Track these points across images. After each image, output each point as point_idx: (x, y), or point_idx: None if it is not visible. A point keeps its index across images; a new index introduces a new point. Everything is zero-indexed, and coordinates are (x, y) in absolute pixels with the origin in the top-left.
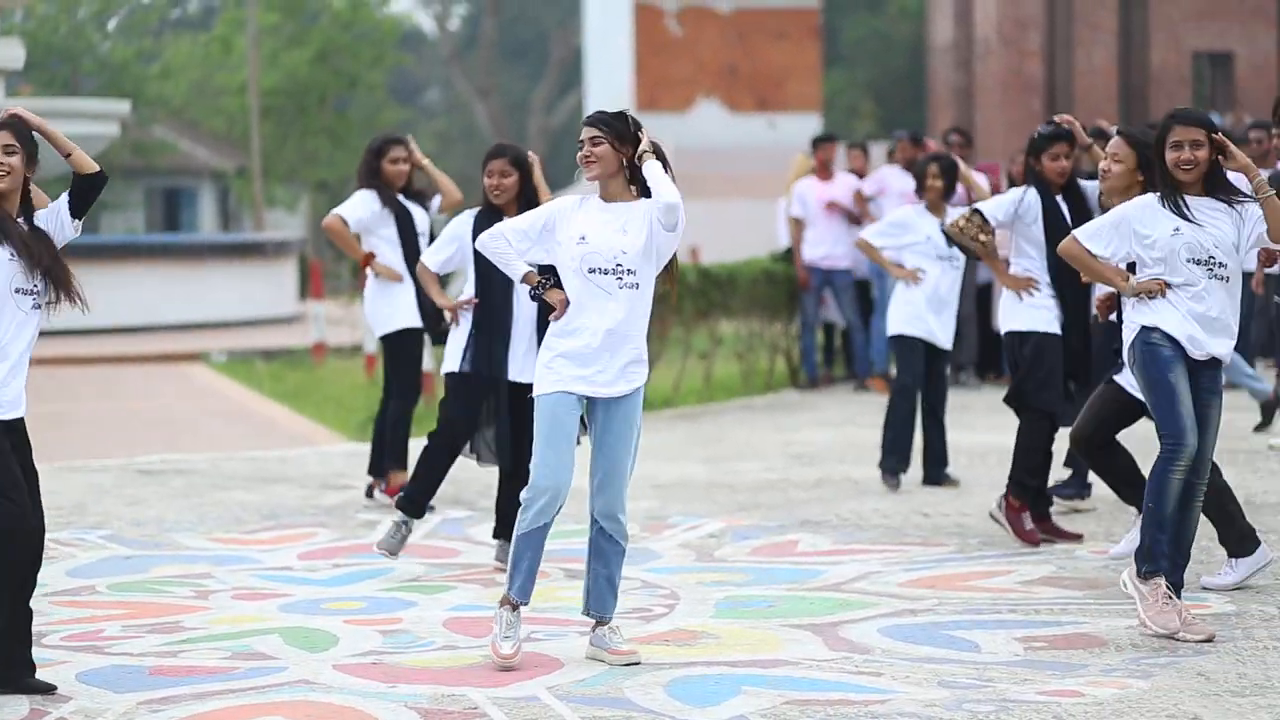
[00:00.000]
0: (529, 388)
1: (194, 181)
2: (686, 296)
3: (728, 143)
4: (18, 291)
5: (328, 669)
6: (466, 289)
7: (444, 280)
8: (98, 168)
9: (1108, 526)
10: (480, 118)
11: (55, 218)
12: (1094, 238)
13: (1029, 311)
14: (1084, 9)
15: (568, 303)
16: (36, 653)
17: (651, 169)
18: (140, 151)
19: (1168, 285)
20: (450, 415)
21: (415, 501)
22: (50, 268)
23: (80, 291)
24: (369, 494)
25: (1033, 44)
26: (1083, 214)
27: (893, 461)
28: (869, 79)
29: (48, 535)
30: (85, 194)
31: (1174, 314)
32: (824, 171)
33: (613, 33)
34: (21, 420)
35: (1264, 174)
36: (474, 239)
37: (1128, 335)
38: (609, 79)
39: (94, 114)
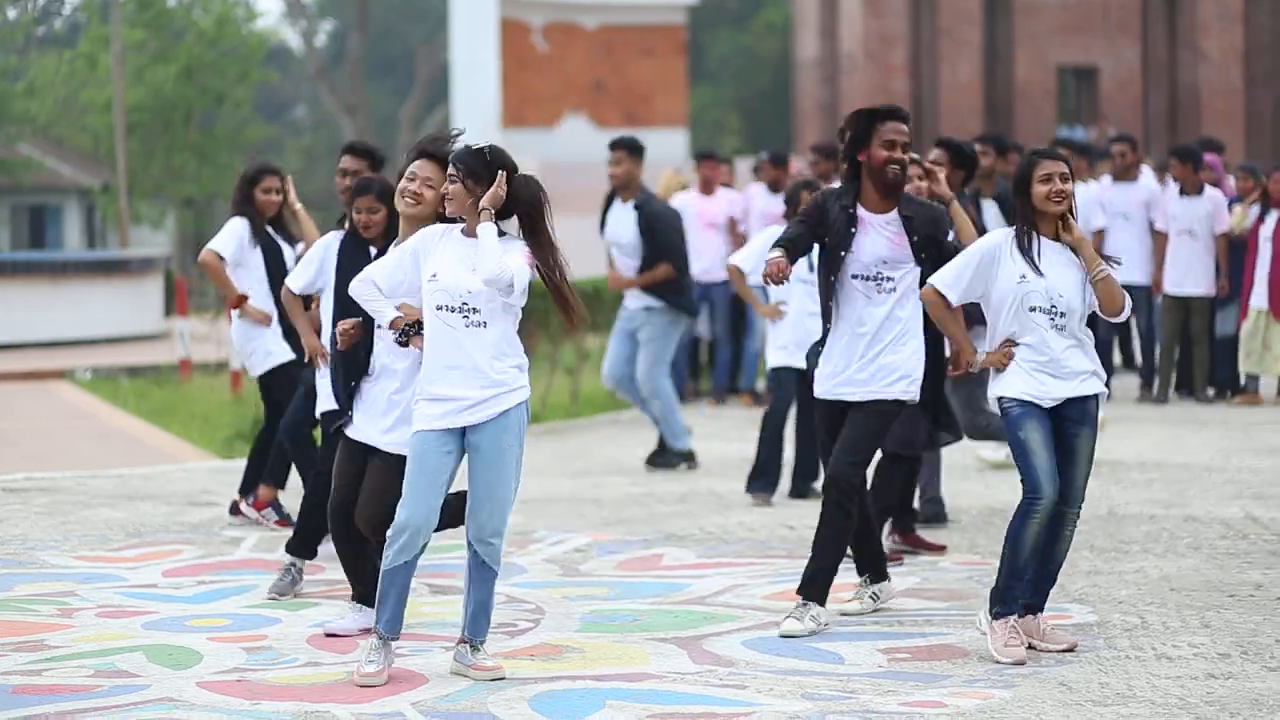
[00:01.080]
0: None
1: (60, 199)
2: (552, 311)
3: (595, 158)
4: None
5: (192, 686)
6: (325, 315)
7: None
8: None
9: (971, 538)
10: (348, 134)
11: None
12: (952, 286)
13: None
14: (948, 24)
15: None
16: None
17: (483, 232)
18: (5, 169)
19: (1014, 345)
20: (325, 454)
21: (304, 544)
22: None
23: None
24: (233, 510)
25: (897, 59)
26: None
27: (761, 484)
28: (735, 95)
29: None
30: None
31: (1018, 375)
32: (707, 187)
33: (479, 48)
34: None
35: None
36: (338, 264)
37: (991, 396)
38: (476, 94)
39: None
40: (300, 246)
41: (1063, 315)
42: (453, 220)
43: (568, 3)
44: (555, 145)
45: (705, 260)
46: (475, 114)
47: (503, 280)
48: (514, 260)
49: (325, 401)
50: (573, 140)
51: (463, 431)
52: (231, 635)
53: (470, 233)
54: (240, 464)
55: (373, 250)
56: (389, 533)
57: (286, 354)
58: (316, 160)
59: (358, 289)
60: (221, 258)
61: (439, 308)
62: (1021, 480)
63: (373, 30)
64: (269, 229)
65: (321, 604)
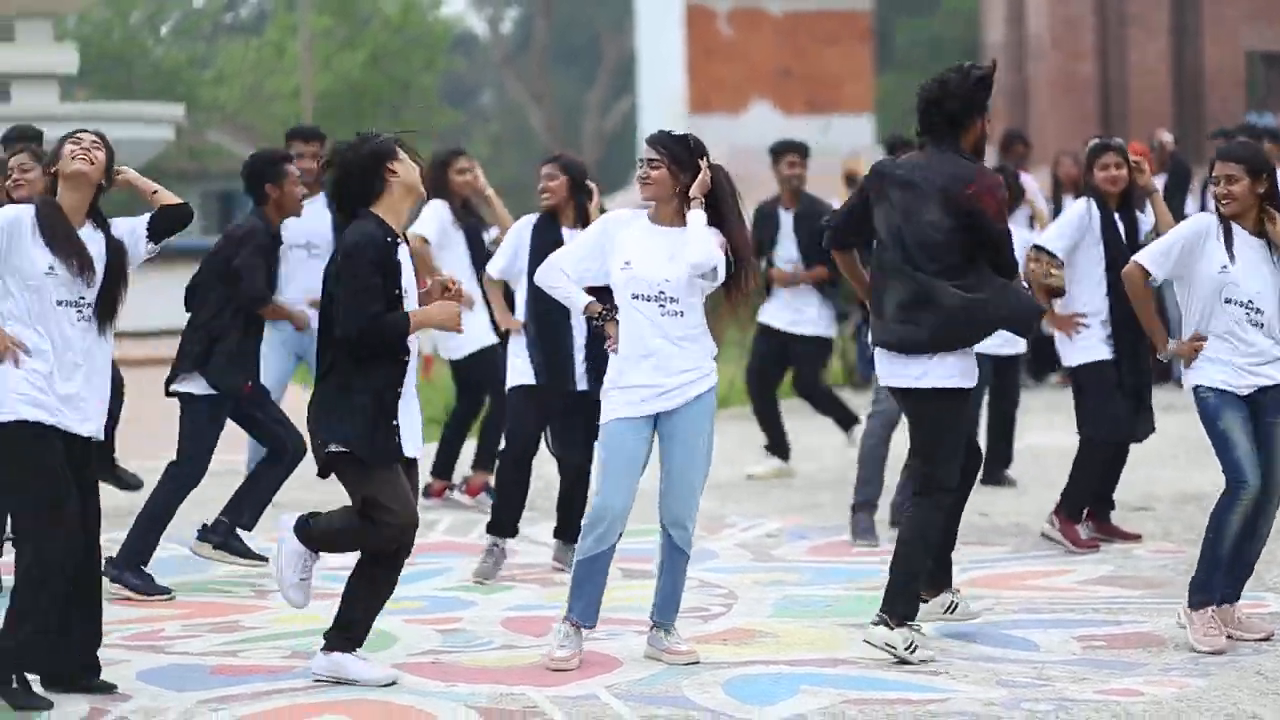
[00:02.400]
0: (588, 395)
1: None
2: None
3: None
4: (60, 304)
5: (387, 668)
6: (520, 297)
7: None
8: (181, 200)
9: (1166, 526)
10: (534, 122)
11: (132, 234)
12: (1159, 262)
13: (1079, 344)
14: (1136, 8)
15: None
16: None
17: (694, 219)
18: (194, 156)
19: (1203, 340)
20: (516, 429)
21: (503, 523)
22: (91, 273)
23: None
24: (426, 494)
25: (1085, 44)
26: (1134, 235)
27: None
28: (921, 81)
29: (109, 535)
30: (169, 222)
31: (1212, 363)
32: None
33: (665, 35)
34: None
35: None
36: (532, 245)
37: (1186, 386)
38: (661, 82)
39: (148, 118)
40: (495, 231)
41: (1259, 311)
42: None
43: None
44: (741, 132)
45: None
46: (661, 101)
47: (708, 266)
48: (714, 247)
49: (516, 376)
50: (758, 127)
51: (655, 418)
52: (427, 618)
53: (663, 220)
54: (431, 448)
55: (565, 233)
56: (585, 521)
57: (488, 337)
58: (504, 148)
59: (544, 277)
60: (426, 241)
61: (635, 296)
62: (1224, 470)
63: (558, 17)
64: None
65: (516, 588)
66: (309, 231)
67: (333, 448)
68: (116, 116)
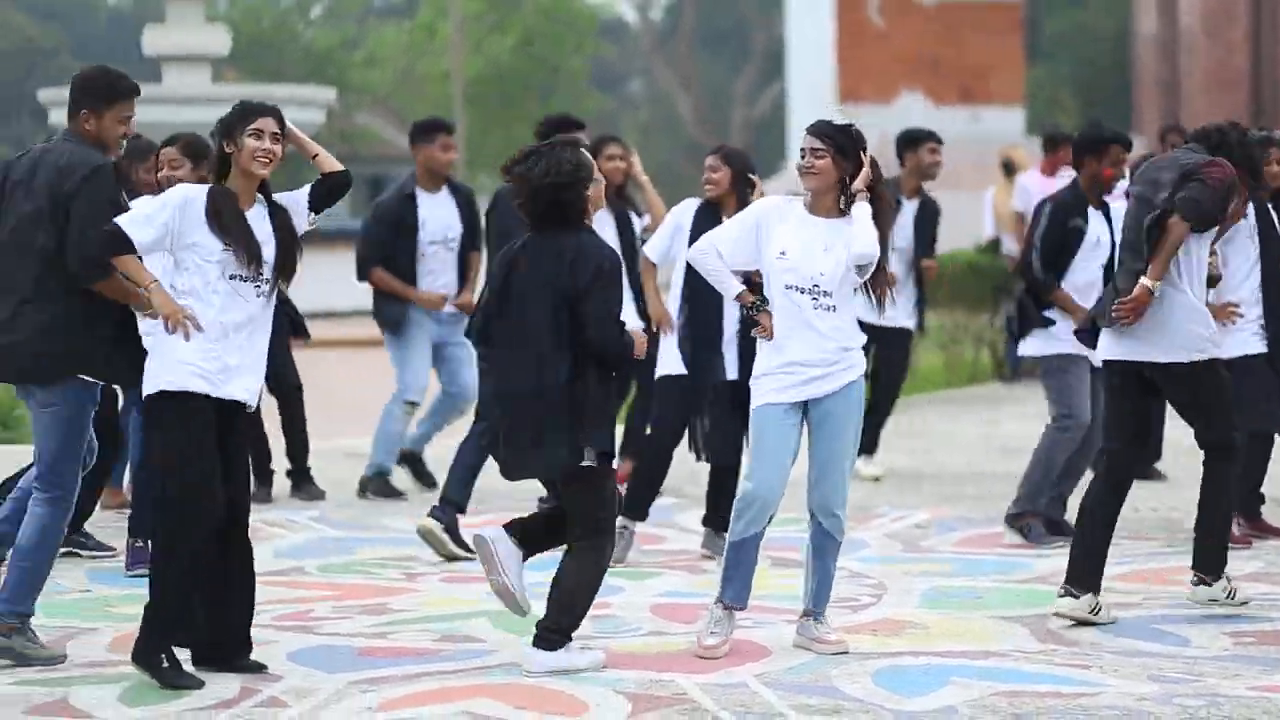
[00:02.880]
0: (739, 384)
1: (398, 169)
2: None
3: None
4: (233, 278)
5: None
6: (675, 285)
7: None
8: (342, 167)
9: None
10: (682, 108)
11: (295, 206)
12: None
13: (1233, 337)
14: None
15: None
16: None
17: (860, 211)
18: (345, 139)
19: None
20: (663, 418)
21: (638, 505)
22: (258, 256)
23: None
24: None
25: (1237, 34)
26: None
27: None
28: (1071, 72)
29: (257, 516)
30: (330, 191)
31: None
32: (1051, 169)
33: (814, 23)
34: (251, 407)
35: None
36: (692, 233)
37: None
38: (811, 70)
39: (300, 100)
40: (646, 219)
41: None
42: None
43: None
44: (891, 121)
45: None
46: (810, 89)
47: (871, 257)
48: (875, 239)
49: (666, 365)
50: (908, 117)
51: (804, 405)
52: None
53: (819, 210)
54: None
55: (724, 217)
56: (737, 504)
57: (635, 323)
58: (653, 134)
59: (699, 257)
60: None
61: (788, 287)
62: None
63: (707, 3)
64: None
65: (664, 574)
66: (446, 226)
67: (589, 457)
68: (267, 98)
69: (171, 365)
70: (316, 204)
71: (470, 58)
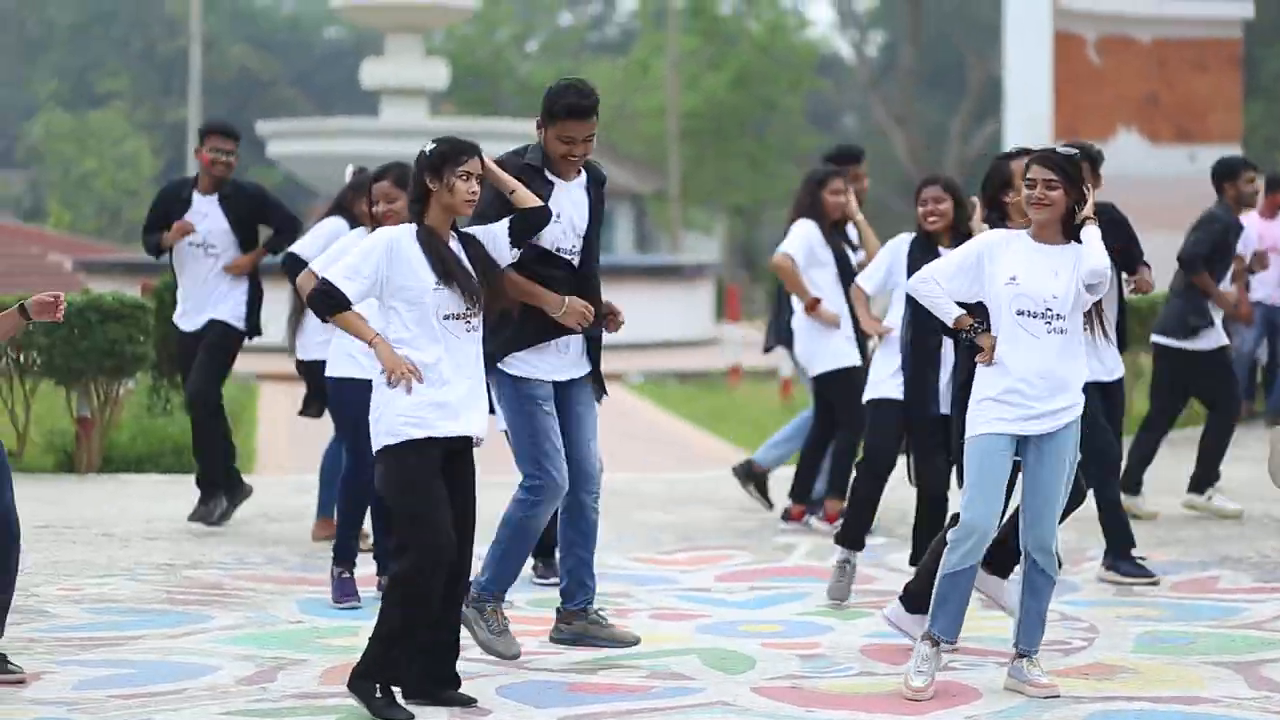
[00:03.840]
0: (948, 419)
1: (612, 203)
2: None
3: (1147, 173)
4: (446, 318)
5: (746, 691)
6: (893, 314)
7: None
8: (541, 203)
9: None
10: (897, 145)
11: (494, 241)
12: None
13: None
14: None
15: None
16: (458, 666)
17: (1091, 234)
18: None
19: None
20: (874, 443)
21: (853, 536)
22: (477, 290)
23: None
24: (785, 517)
25: None
26: None
27: None
28: None
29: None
30: (528, 226)
31: None
32: (1271, 211)
33: (1032, 61)
34: (479, 441)
35: None
36: (908, 264)
37: None
38: (1028, 107)
39: (515, 135)
40: (861, 254)
41: None
42: None
43: (1123, 16)
44: (1108, 159)
45: (1269, 285)
46: (1027, 127)
47: (1104, 274)
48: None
49: (880, 389)
50: (1126, 155)
51: (1022, 437)
52: (785, 641)
53: (1045, 238)
54: (790, 471)
55: (941, 253)
56: (952, 535)
57: (851, 358)
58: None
59: (918, 285)
60: (794, 260)
61: (1020, 312)
62: None
63: (924, 41)
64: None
65: (873, 614)
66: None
67: None
68: (483, 133)
69: (392, 418)
70: (516, 238)
71: (685, 93)
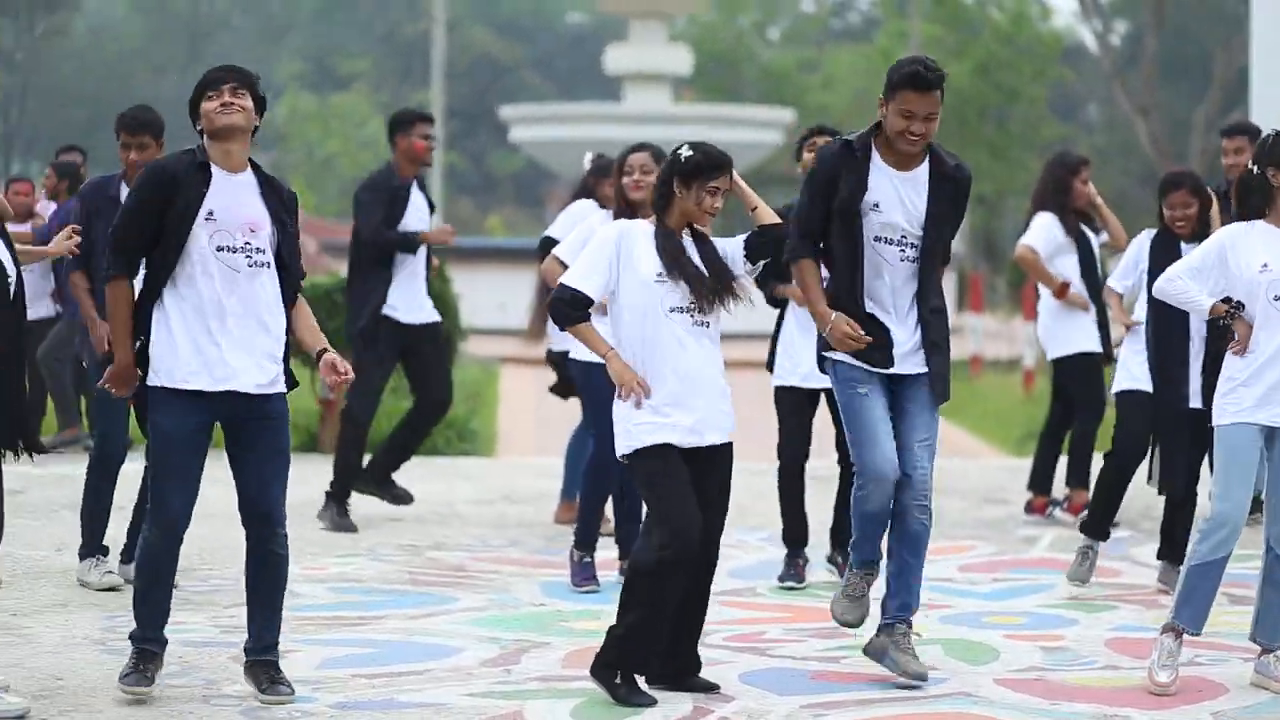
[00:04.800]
0: (1202, 413)
1: None
2: None
3: None
4: (673, 311)
5: (989, 682)
6: (1139, 309)
7: None
8: (779, 220)
9: None
10: (1140, 136)
11: (732, 254)
12: None
13: None
14: None
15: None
16: (700, 652)
17: None
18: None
19: None
20: (1123, 434)
21: (1099, 525)
22: (715, 290)
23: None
24: (1028, 509)
25: None
26: None
27: None
28: None
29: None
30: (766, 244)
31: None
32: None
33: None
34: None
35: None
36: (1151, 262)
37: None
38: (1275, 99)
39: (759, 122)
40: (1103, 235)
41: None
42: None
43: None
44: None
45: None
46: (1273, 118)
47: None
48: None
49: (1128, 380)
50: None
51: (1271, 428)
52: (1028, 633)
53: None
54: (1027, 463)
55: (1182, 248)
56: (1202, 526)
57: (1092, 344)
58: (1108, 160)
59: (1165, 286)
60: (1035, 251)
61: (1277, 298)
62: None
63: (1168, 31)
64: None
65: (1119, 608)
66: None
67: None
68: (727, 119)
69: (630, 426)
70: (752, 255)
71: None
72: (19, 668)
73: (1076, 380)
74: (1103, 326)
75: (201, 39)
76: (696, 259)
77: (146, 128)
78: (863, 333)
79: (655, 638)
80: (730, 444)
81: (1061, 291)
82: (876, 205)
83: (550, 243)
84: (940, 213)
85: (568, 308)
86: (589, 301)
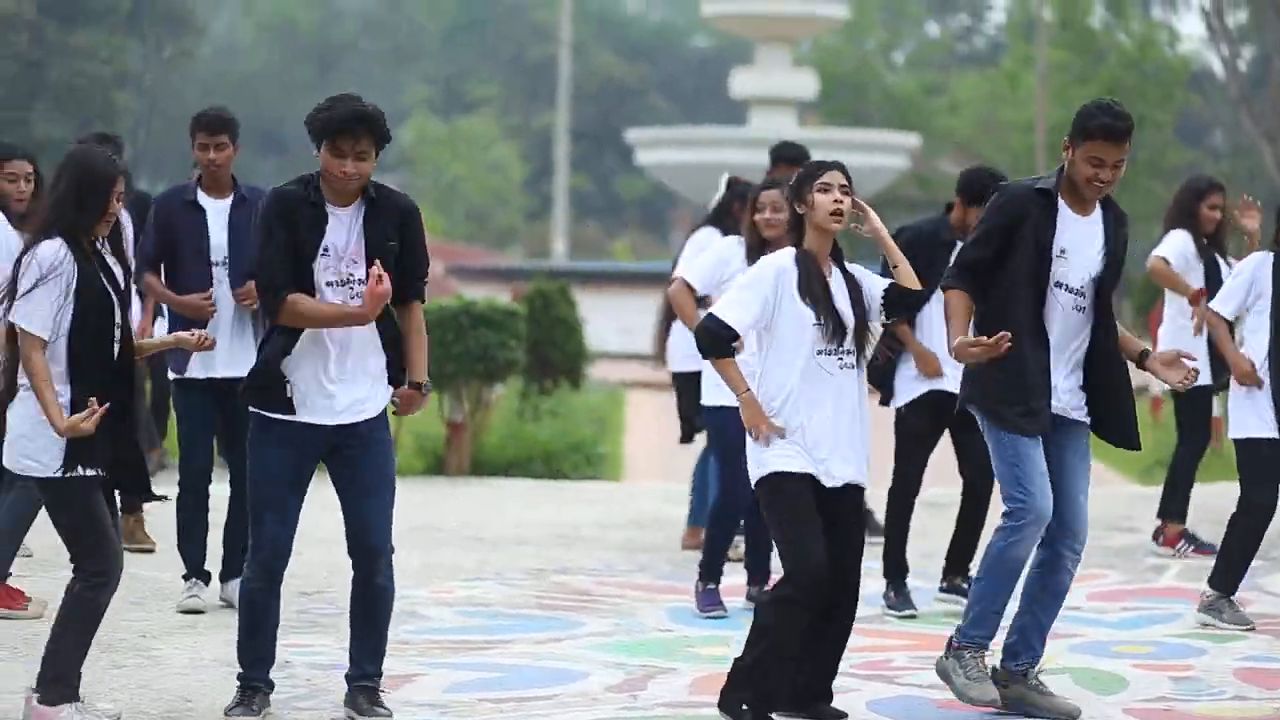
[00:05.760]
0: None
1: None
2: None
3: None
4: (819, 353)
5: (1118, 712)
6: (1250, 340)
7: None
8: (919, 287)
9: None
10: (1268, 162)
11: (871, 292)
12: None
13: None
14: None
15: None
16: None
17: None
18: (924, 185)
19: None
20: (1255, 491)
21: (1229, 580)
22: (845, 326)
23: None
24: (1155, 537)
25: None
26: None
27: None
28: None
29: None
30: (903, 305)
31: None
32: None
33: None
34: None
35: None
36: (1275, 287)
37: None
38: None
39: (883, 146)
40: (1234, 261)
41: None
42: None
43: None
44: None
45: None
46: None
47: None
48: None
49: (1255, 427)
50: None
51: None
52: (1157, 663)
53: None
54: (1157, 491)
55: None
56: None
57: (1202, 377)
58: (1233, 186)
59: None
60: (1167, 262)
61: None
62: None
63: None
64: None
65: (1249, 638)
66: None
67: None
68: (851, 144)
69: (763, 455)
70: (890, 310)
71: (1053, 107)
72: (148, 689)
73: (1183, 408)
74: (1212, 354)
75: (329, 62)
76: (842, 299)
77: (225, 127)
78: (992, 341)
79: (782, 671)
80: (862, 486)
81: (1195, 297)
82: (1063, 252)
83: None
84: (1117, 258)
85: (713, 339)
86: (735, 336)
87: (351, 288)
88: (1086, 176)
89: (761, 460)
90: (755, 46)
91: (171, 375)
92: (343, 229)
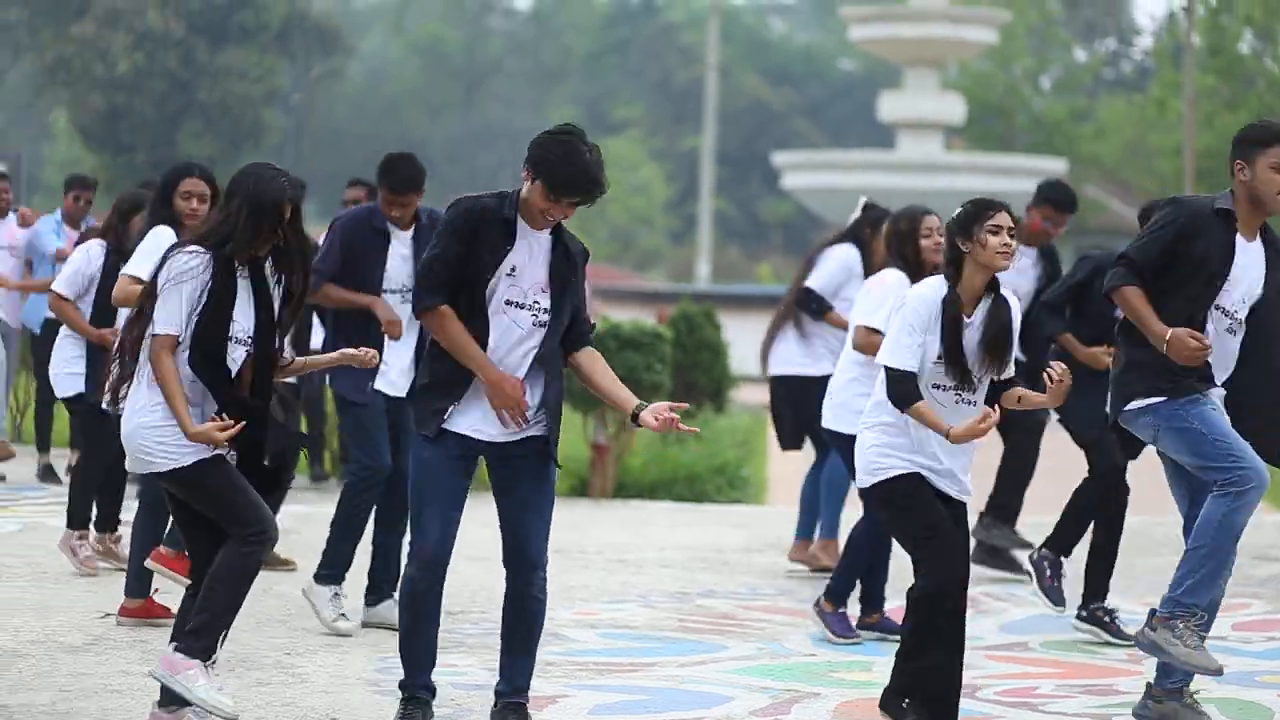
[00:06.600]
0: None
1: (1122, 240)
2: None
3: None
4: (934, 387)
5: None
6: None
7: None
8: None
9: None
10: None
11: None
12: None
13: None
14: None
15: None
16: (970, 705)
17: None
18: None
19: None
20: None
21: None
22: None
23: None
24: None
25: None
26: None
27: None
28: None
29: (977, 589)
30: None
31: None
32: None
33: None
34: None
35: None
36: None
37: None
38: None
39: (1031, 171)
40: None
41: None
42: None
43: None
44: None
45: None
46: None
47: None
48: None
49: None
50: None
51: None
52: None
53: None
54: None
55: None
56: None
57: None
58: None
59: None
60: None
61: None
62: None
63: None
64: None
65: None
66: None
67: None
68: (999, 168)
69: (876, 457)
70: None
71: (1202, 132)
72: (292, 707)
73: None
74: None
75: (475, 82)
76: (973, 339)
77: (416, 189)
78: (1206, 342)
79: (938, 668)
80: (965, 504)
81: None
82: (1231, 278)
83: (813, 295)
84: (1275, 285)
85: (906, 389)
86: (918, 392)
87: (536, 315)
88: (1276, 188)
89: (872, 465)
90: (902, 71)
91: (351, 399)
92: (528, 252)
